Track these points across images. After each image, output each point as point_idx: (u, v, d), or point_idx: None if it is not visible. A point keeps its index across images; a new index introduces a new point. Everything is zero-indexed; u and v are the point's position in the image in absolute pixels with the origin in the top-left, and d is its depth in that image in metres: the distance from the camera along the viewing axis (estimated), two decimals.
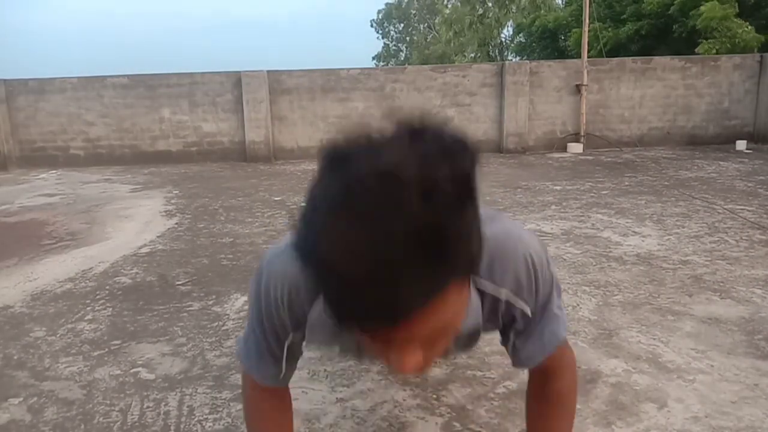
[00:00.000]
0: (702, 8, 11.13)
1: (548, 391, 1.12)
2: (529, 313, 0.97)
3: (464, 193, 0.61)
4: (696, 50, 10.91)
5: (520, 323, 1.00)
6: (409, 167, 0.57)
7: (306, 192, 0.65)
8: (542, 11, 19.38)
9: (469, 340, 1.05)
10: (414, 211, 0.55)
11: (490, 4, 23.62)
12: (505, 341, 1.08)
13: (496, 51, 24.44)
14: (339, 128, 0.69)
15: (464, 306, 0.72)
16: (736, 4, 11.33)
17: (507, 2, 22.76)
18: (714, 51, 10.69)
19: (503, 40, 24.35)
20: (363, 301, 0.58)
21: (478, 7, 23.42)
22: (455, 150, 0.62)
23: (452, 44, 24.18)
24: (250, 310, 1.05)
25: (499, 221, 0.97)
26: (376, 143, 0.62)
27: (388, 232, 0.55)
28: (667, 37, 12.60)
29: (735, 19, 11.15)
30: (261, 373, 1.07)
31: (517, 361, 1.08)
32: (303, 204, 0.64)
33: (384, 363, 0.74)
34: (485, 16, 23.54)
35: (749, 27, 11.11)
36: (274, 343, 1.03)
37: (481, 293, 0.92)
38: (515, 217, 4.25)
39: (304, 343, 1.07)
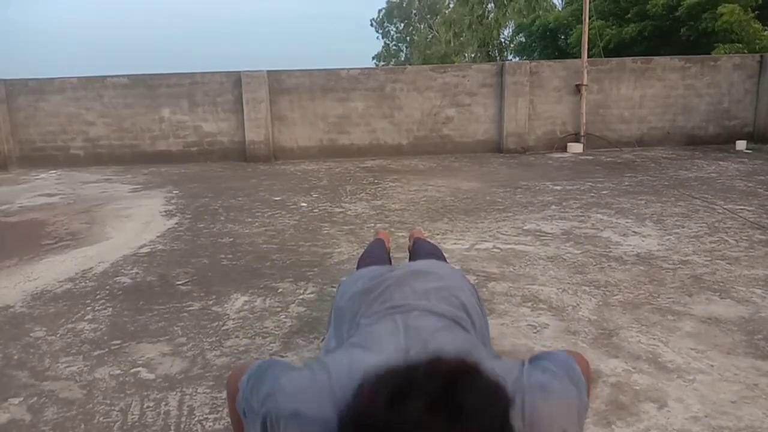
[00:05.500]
0: (721, 9, 10.77)
1: None
2: None
3: None
4: (711, 53, 10.68)
5: None
6: None
7: None
8: (539, 12, 19.35)
9: None
10: None
11: (489, 6, 23.60)
12: None
13: (496, 51, 24.42)
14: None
15: None
16: (749, 8, 11.11)
17: (505, 3, 22.74)
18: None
19: (503, 40, 24.34)
20: None
21: (476, 8, 23.39)
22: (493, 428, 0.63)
23: (452, 44, 24.14)
24: (249, 402, 0.97)
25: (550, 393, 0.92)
26: (413, 425, 0.61)
27: None
28: (671, 39, 12.45)
29: (754, 23, 10.86)
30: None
31: None
32: None
33: None
34: (484, 17, 23.53)
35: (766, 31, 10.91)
36: None
37: None
38: (515, 217, 4.25)
39: None
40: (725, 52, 10.47)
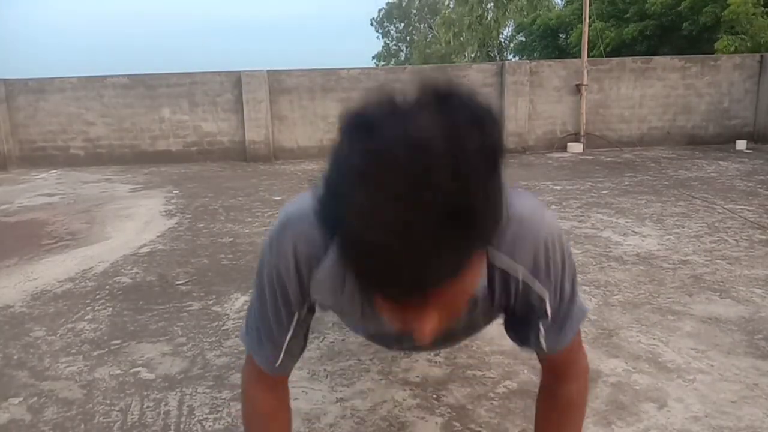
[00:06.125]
0: (730, 0, 10.73)
1: (558, 395, 1.11)
2: (546, 299, 0.94)
3: (492, 164, 0.61)
4: (715, 45, 10.55)
5: (541, 312, 0.96)
6: (438, 138, 0.57)
7: (329, 158, 0.64)
8: (540, 11, 19.36)
9: (484, 318, 1.03)
10: (444, 184, 0.56)
11: (489, 5, 23.59)
12: (526, 340, 1.05)
13: (496, 51, 24.43)
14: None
15: (480, 271, 0.76)
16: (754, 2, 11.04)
17: (504, 2, 22.73)
18: (733, 48, 10.35)
19: (503, 40, 24.34)
20: (394, 274, 0.59)
21: (476, 7, 23.38)
22: (483, 119, 0.61)
23: (452, 44, 24.15)
24: (258, 285, 1.01)
25: (525, 199, 0.95)
26: (402, 110, 0.61)
27: (419, 207, 0.56)
28: (672, 37, 12.40)
29: (761, 18, 10.82)
30: (262, 356, 1.04)
31: (541, 351, 1.05)
32: (326, 171, 0.63)
33: (397, 327, 0.75)
34: (484, 17, 23.52)
35: None
36: (275, 325, 1.00)
37: (492, 267, 0.90)
38: None
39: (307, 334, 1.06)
40: (728, 44, 10.44)
